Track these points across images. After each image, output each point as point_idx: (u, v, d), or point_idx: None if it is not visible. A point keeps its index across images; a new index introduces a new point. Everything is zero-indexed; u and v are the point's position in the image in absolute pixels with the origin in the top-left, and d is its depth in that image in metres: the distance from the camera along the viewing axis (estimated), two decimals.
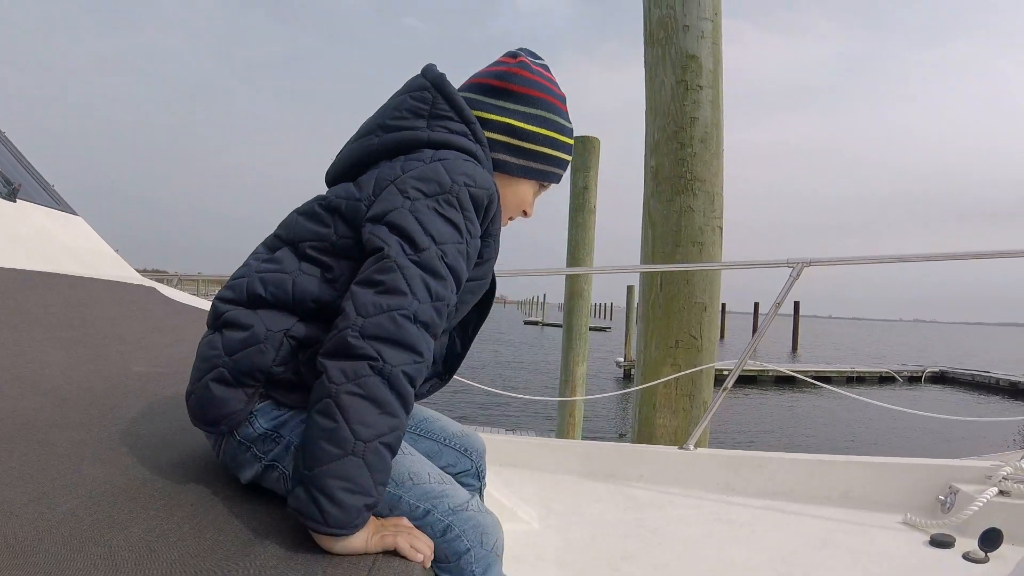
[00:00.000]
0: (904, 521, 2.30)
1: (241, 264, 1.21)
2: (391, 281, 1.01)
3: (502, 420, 13.36)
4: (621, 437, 12.71)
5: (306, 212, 1.18)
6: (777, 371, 11.35)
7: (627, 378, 22.76)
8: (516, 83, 1.29)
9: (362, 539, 0.98)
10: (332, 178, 1.27)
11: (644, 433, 3.75)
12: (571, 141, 1.36)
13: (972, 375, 25.66)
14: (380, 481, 0.97)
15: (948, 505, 2.32)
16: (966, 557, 1.99)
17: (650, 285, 3.72)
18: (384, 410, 0.96)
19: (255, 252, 1.22)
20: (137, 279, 3.34)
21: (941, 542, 2.08)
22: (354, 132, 1.28)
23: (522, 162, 1.30)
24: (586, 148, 9.13)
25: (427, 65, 1.27)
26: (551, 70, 1.35)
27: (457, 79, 1.33)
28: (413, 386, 1.00)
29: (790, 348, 39.08)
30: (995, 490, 2.20)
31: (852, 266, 2.59)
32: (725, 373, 2.78)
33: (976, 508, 2.15)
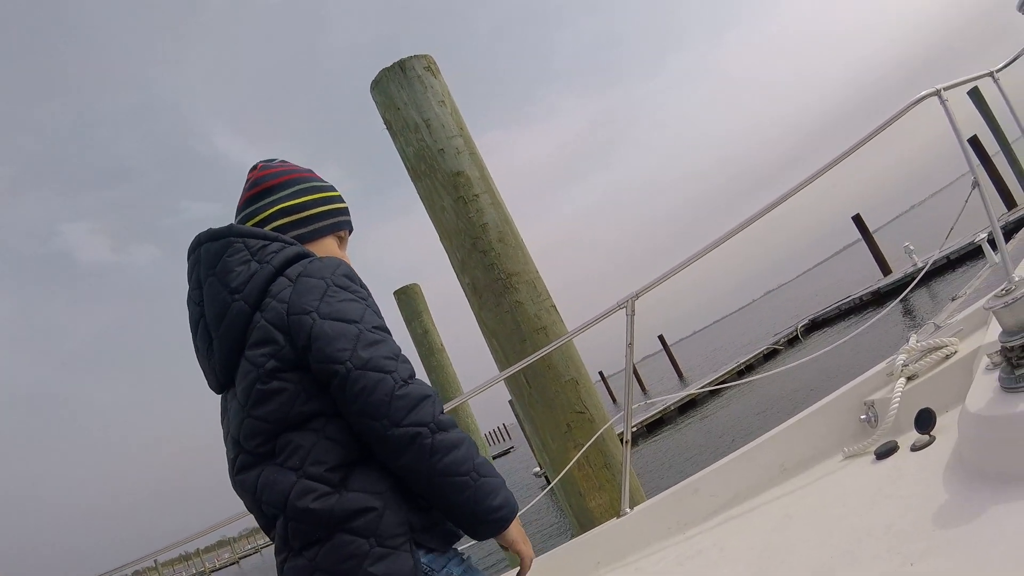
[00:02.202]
0: (845, 456, 2.27)
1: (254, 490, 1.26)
2: (366, 382, 1.16)
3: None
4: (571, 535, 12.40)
5: (256, 404, 1.23)
6: (675, 401, 11.61)
7: (549, 482, 22.38)
8: (268, 180, 1.46)
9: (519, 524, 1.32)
10: (226, 375, 1.31)
11: (583, 521, 3.71)
12: (336, 192, 1.53)
13: (837, 307, 26.53)
14: (496, 474, 1.27)
15: (872, 419, 2.33)
16: (914, 448, 1.96)
17: (519, 387, 3.77)
18: (459, 446, 1.21)
19: (244, 473, 1.27)
20: None
21: (886, 452, 2.05)
22: (197, 343, 1.37)
23: (312, 227, 1.45)
24: (409, 297, 9.28)
25: (204, 232, 1.37)
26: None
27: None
28: (445, 413, 1.23)
29: (676, 378, 39.96)
30: (903, 380, 2.22)
31: (680, 275, 2.70)
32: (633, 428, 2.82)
33: (896, 405, 2.15)
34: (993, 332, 1.98)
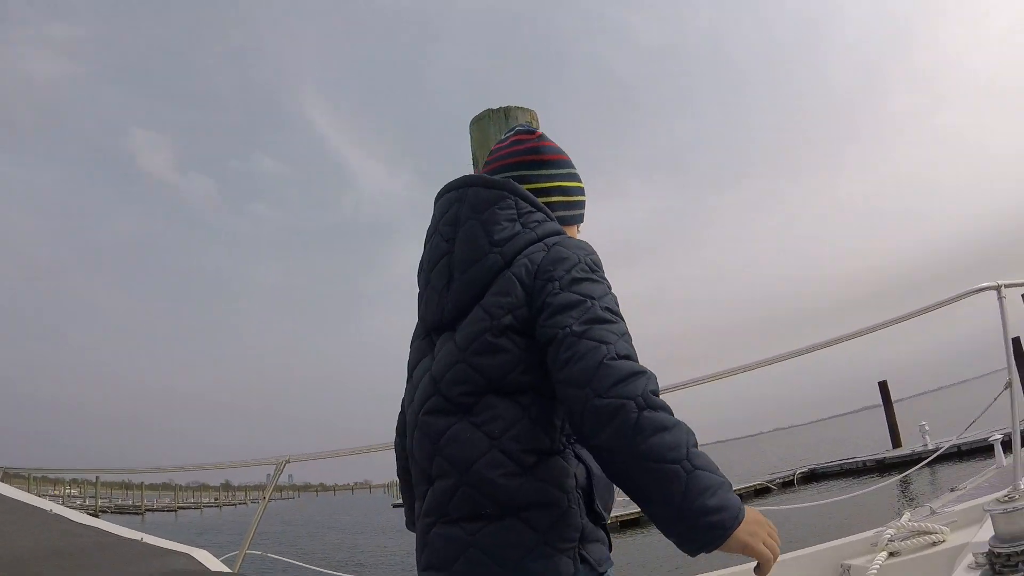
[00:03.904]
0: None
1: (415, 447, 1.27)
2: (580, 349, 1.10)
3: None
4: None
5: (479, 347, 1.22)
6: (623, 514, 11.22)
7: None
8: (547, 152, 1.49)
9: (757, 523, 1.08)
10: (454, 316, 1.30)
11: None
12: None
13: (840, 464, 26.30)
14: (716, 470, 1.07)
15: None
16: None
17: None
18: (670, 428, 1.06)
19: (427, 427, 1.24)
20: None
21: None
22: (421, 271, 1.41)
23: (573, 212, 1.51)
24: None
25: (476, 176, 1.42)
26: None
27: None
28: (659, 396, 1.10)
29: None
30: (885, 554, 2.21)
31: (692, 389, 2.71)
32: None
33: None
34: (985, 533, 1.96)
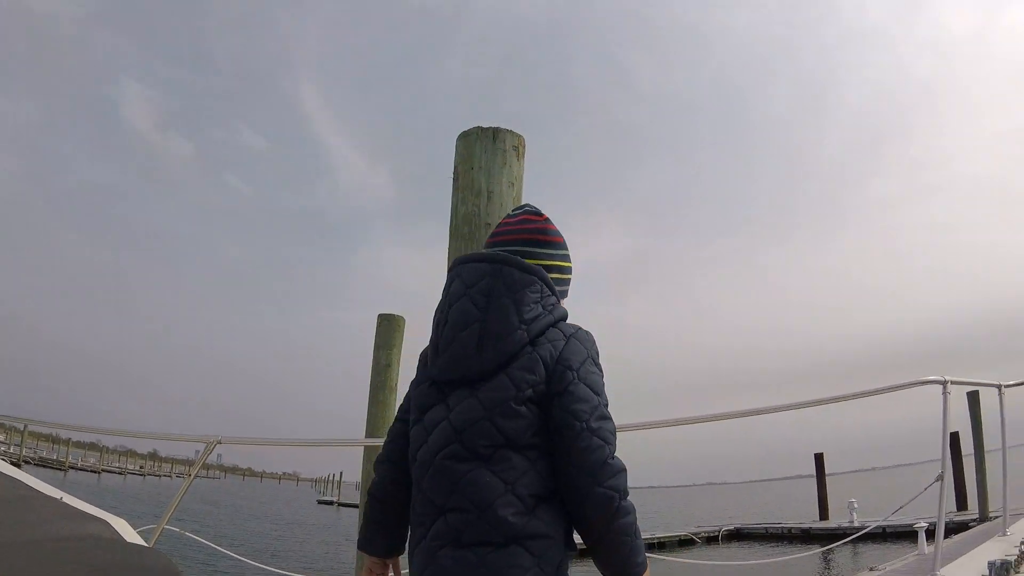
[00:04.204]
0: None
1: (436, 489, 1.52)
2: (592, 444, 1.48)
3: None
4: None
5: (502, 411, 1.51)
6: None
7: None
8: (551, 235, 1.79)
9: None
10: (476, 376, 1.56)
11: None
12: None
13: (766, 528, 26.35)
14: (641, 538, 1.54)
15: None
16: None
17: None
18: (632, 512, 1.50)
19: (451, 473, 1.50)
20: None
21: None
22: (445, 327, 1.62)
23: (563, 288, 1.80)
24: (391, 326, 9.07)
25: (512, 257, 1.66)
26: None
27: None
28: None
29: None
30: None
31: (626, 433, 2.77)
32: None
33: None
34: None
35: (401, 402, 1.83)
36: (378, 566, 1.76)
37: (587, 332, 1.65)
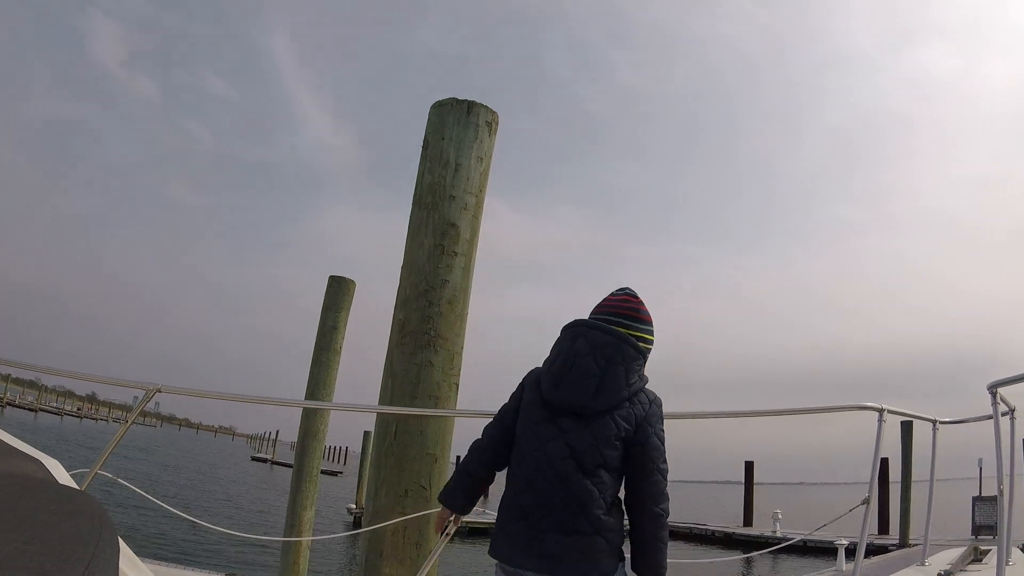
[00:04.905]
0: None
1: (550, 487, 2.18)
2: (660, 485, 2.22)
3: (219, 563, 12.05)
4: None
5: (605, 443, 2.18)
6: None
7: (357, 525, 21.71)
8: (644, 314, 2.38)
9: None
10: (588, 412, 2.22)
11: None
12: None
13: (690, 528, 26.91)
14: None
15: None
16: None
17: (385, 433, 3.71)
18: (667, 526, 2.27)
19: (569, 480, 2.18)
20: None
21: None
22: (570, 372, 2.26)
23: (645, 359, 2.35)
24: (341, 289, 9.01)
25: (631, 335, 2.30)
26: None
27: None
28: None
29: None
30: None
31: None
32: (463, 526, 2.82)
33: None
34: None
35: (506, 403, 2.45)
36: (447, 516, 2.51)
37: (660, 400, 2.32)
